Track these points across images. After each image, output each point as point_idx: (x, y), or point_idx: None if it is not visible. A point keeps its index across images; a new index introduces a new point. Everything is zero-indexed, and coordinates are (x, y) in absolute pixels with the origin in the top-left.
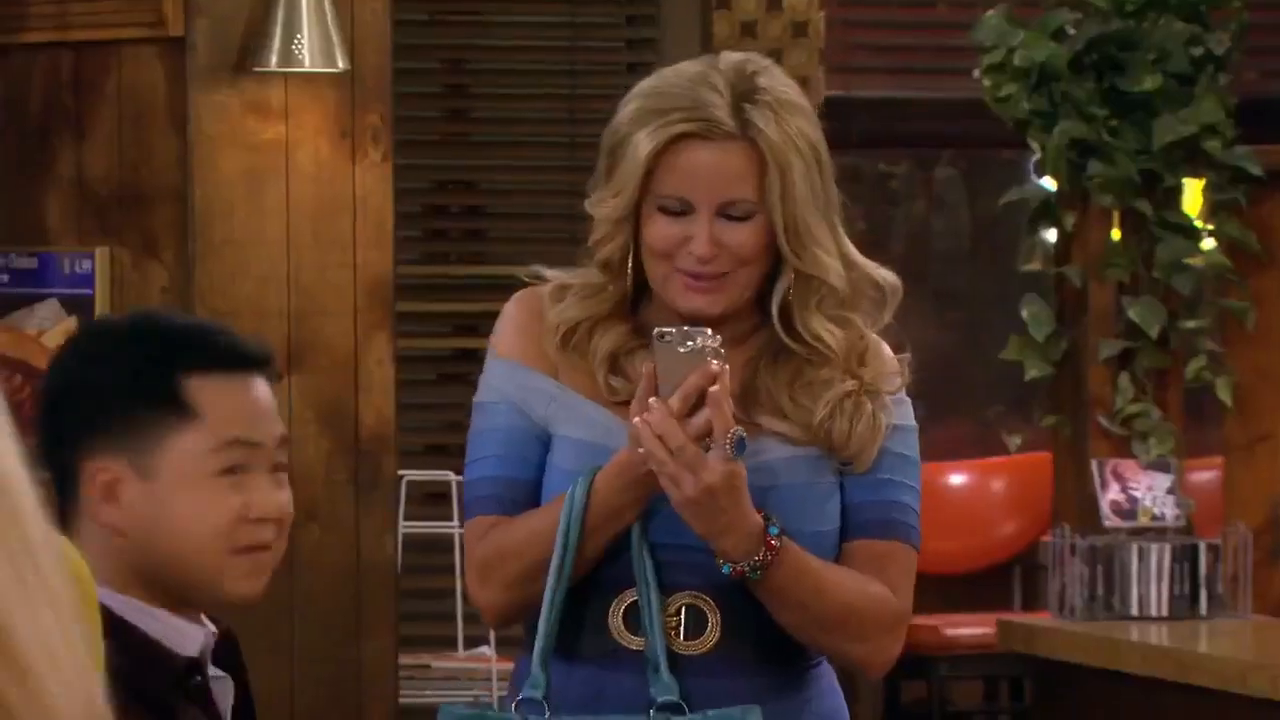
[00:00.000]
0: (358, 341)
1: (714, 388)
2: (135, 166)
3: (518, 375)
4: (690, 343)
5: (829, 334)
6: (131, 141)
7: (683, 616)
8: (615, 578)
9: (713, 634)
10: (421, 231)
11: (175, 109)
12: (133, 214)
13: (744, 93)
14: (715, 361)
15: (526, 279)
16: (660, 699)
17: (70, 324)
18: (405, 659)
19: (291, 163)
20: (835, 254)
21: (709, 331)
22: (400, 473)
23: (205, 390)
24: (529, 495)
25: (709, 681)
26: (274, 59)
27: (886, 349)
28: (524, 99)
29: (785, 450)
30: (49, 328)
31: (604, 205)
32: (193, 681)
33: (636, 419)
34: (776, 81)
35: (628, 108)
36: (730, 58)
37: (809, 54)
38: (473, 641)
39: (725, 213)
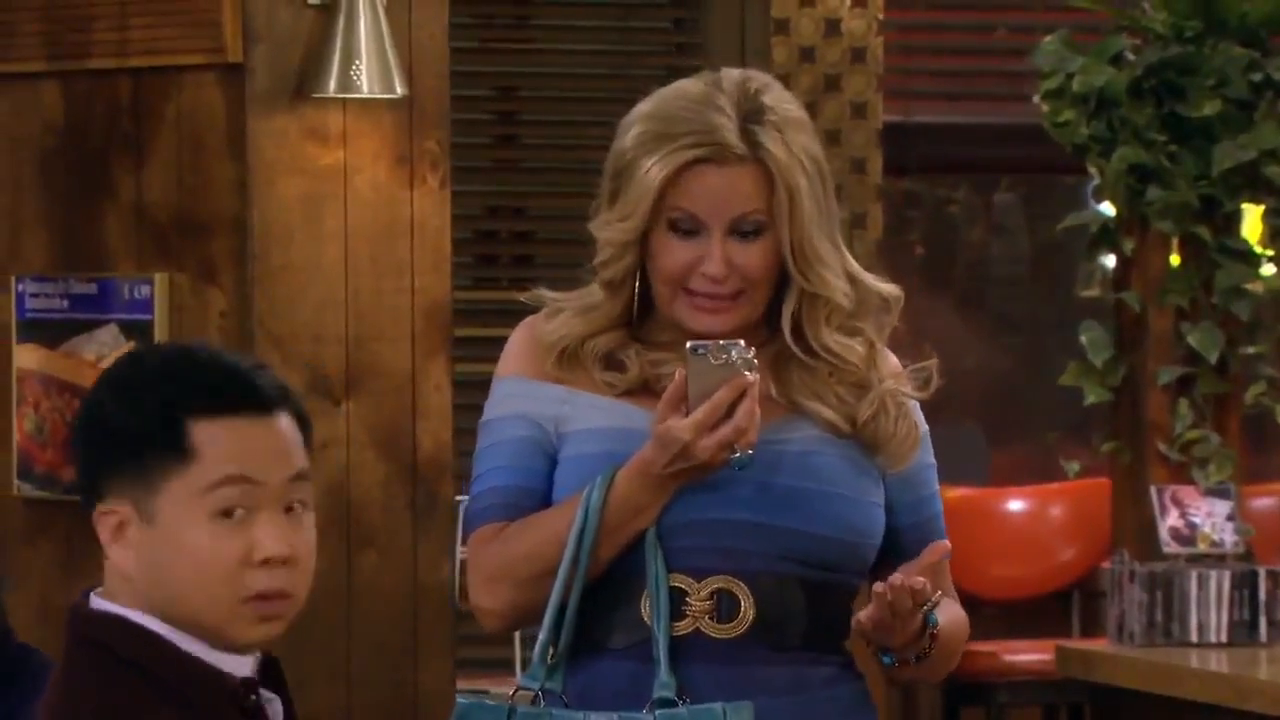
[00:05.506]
0: (415, 366)
1: (745, 401)
2: (194, 192)
3: (525, 388)
4: (724, 355)
5: (842, 346)
6: (190, 167)
7: (716, 601)
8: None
9: (745, 620)
10: (472, 257)
11: (234, 135)
12: (191, 239)
13: (750, 113)
14: (748, 373)
15: (527, 303)
16: (658, 694)
17: (128, 349)
18: (463, 684)
19: (350, 188)
20: (840, 273)
21: (742, 343)
22: (457, 497)
23: (207, 431)
24: (536, 504)
25: (736, 669)
26: (332, 85)
27: (893, 358)
28: (574, 126)
29: (829, 436)
30: (108, 354)
31: (610, 229)
32: (249, 701)
33: (667, 423)
34: (779, 99)
35: (632, 131)
36: (731, 76)
37: (867, 79)
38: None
39: (736, 229)
